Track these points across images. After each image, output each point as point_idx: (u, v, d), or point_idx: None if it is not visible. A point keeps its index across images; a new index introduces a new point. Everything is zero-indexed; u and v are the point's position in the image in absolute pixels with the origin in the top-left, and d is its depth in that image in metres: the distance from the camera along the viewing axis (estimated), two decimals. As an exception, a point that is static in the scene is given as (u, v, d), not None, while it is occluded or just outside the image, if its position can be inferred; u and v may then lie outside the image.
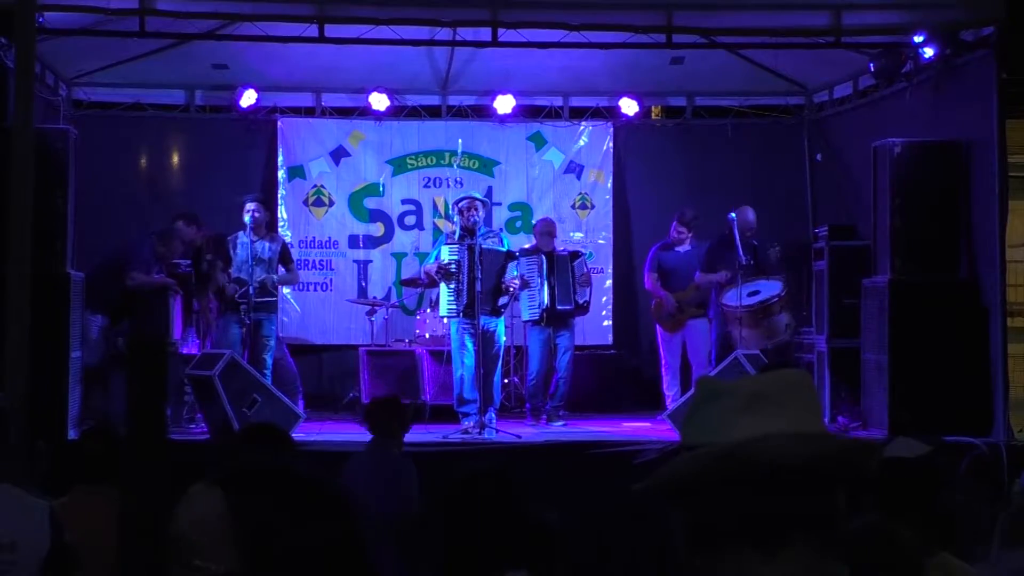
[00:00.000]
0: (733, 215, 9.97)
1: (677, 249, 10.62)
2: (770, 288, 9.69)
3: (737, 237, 9.78)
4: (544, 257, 10.26)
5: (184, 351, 10.10)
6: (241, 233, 9.92)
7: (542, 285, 10.19)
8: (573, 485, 8.20)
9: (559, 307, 10.25)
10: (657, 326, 10.72)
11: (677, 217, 10.69)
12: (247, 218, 9.82)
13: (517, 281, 9.81)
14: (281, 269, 10.26)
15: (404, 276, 11.80)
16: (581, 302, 10.45)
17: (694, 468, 1.63)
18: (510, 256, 9.88)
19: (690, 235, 10.59)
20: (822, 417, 1.71)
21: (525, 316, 10.33)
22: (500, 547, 3.43)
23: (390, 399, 7.29)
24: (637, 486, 1.74)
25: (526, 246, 10.88)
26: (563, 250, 10.51)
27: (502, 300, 9.76)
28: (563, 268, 10.32)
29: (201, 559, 4.42)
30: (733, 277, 9.83)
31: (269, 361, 9.84)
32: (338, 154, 12.13)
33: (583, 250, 11.04)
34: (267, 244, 9.89)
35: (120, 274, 9.66)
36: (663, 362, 10.63)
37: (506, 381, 10.78)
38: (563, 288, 10.26)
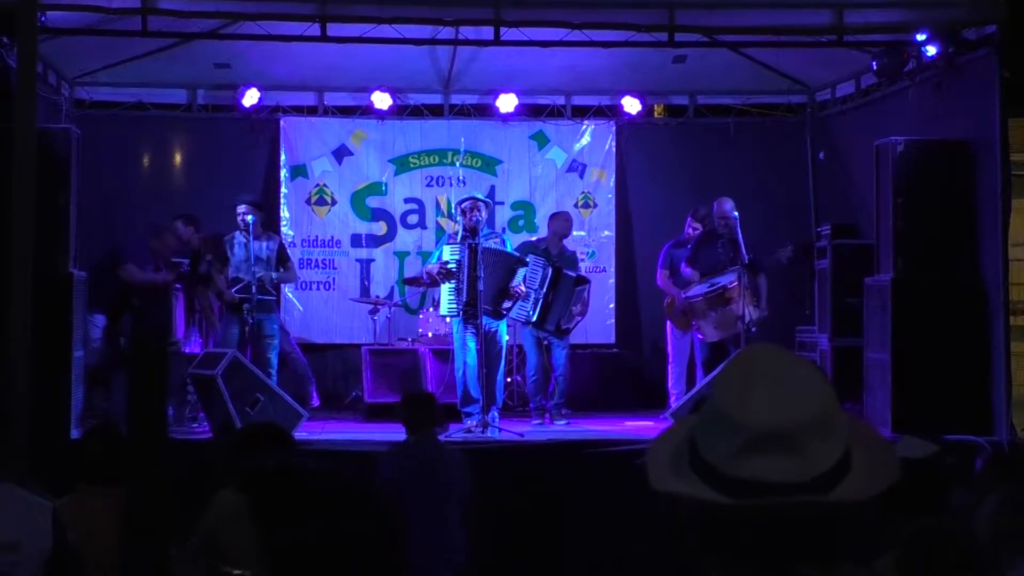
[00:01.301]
0: (736, 213, 9.92)
1: (690, 247, 10.61)
2: (724, 279, 9.69)
3: (739, 235, 9.76)
4: (552, 272, 10.13)
5: (187, 350, 10.12)
6: (238, 233, 9.91)
7: (540, 297, 10.01)
8: (575, 484, 8.20)
9: (547, 326, 10.14)
10: (668, 323, 10.63)
11: (691, 213, 10.70)
12: (240, 220, 9.83)
13: (523, 288, 9.75)
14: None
15: (407, 275, 11.80)
16: (564, 328, 10.26)
17: (703, 508, 1.65)
18: (520, 261, 9.80)
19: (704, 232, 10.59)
20: (841, 445, 1.64)
21: (513, 314, 10.14)
22: None
23: (424, 395, 7.60)
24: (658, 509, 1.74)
25: (533, 239, 10.83)
26: (571, 271, 10.32)
27: (505, 304, 9.68)
28: (565, 291, 10.11)
29: (230, 565, 4.42)
30: (708, 272, 9.90)
31: (274, 360, 9.84)
32: (340, 153, 12.13)
33: (586, 276, 10.87)
34: (264, 243, 9.88)
35: (115, 270, 9.64)
36: (670, 359, 10.58)
37: (508, 380, 10.78)
38: (557, 311, 10.10)
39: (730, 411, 1.64)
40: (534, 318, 10.03)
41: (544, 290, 10.03)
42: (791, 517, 1.60)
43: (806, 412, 1.62)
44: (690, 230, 10.64)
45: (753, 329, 9.59)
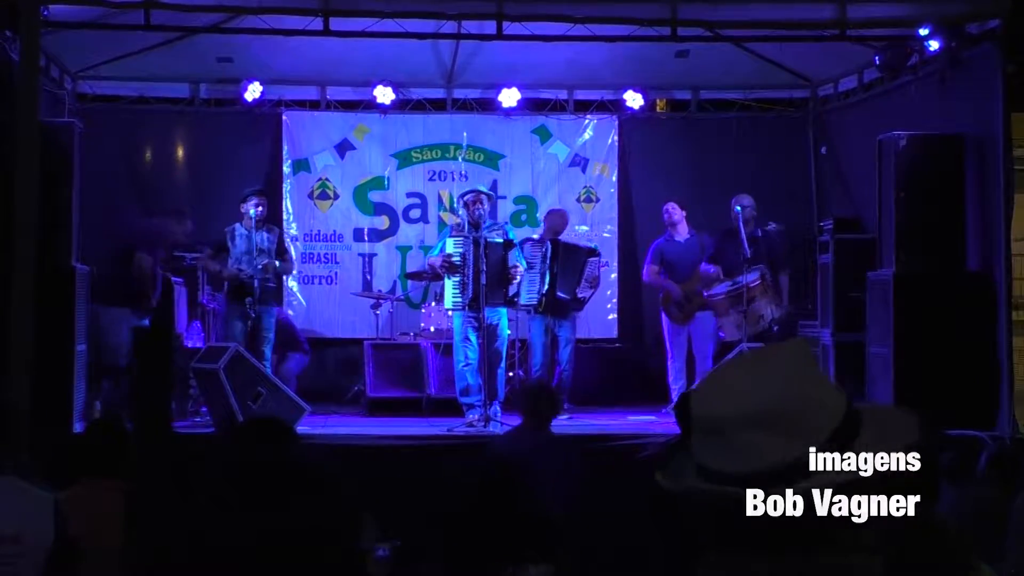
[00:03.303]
0: (738, 208, 9.99)
1: (677, 240, 10.65)
2: (747, 278, 9.74)
3: (742, 230, 9.82)
4: (550, 244, 10.23)
5: (189, 344, 10.11)
6: (238, 225, 9.90)
7: (545, 272, 10.17)
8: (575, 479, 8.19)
9: (559, 294, 10.24)
10: (665, 319, 10.68)
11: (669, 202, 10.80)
12: (255, 211, 9.77)
13: (521, 267, 9.79)
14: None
15: (409, 269, 11.81)
16: (579, 296, 10.42)
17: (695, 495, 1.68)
18: (508, 244, 9.85)
19: (683, 215, 10.63)
20: (804, 445, 1.63)
21: (523, 300, 10.17)
22: (516, 542, 3.46)
23: (544, 385, 7.80)
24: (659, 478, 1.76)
25: (533, 236, 10.88)
26: (582, 243, 10.43)
27: (512, 289, 9.73)
28: (573, 260, 10.29)
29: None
30: (729, 271, 9.96)
31: (268, 353, 9.83)
32: (343, 147, 12.13)
33: (597, 248, 10.96)
34: (265, 235, 9.88)
35: (129, 261, 9.66)
36: (669, 355, 10.62)
37: (511, 375, 10.78)
38: (567, 278, 10.24)
39: (691, 399, 1.69)
40: (544, 289, 10.11)
41: (548, 262, 10.17)
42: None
43: (741, 406, 1.62)
44: (665, 216, 10.71)
45: (776, 328, 9.64)
